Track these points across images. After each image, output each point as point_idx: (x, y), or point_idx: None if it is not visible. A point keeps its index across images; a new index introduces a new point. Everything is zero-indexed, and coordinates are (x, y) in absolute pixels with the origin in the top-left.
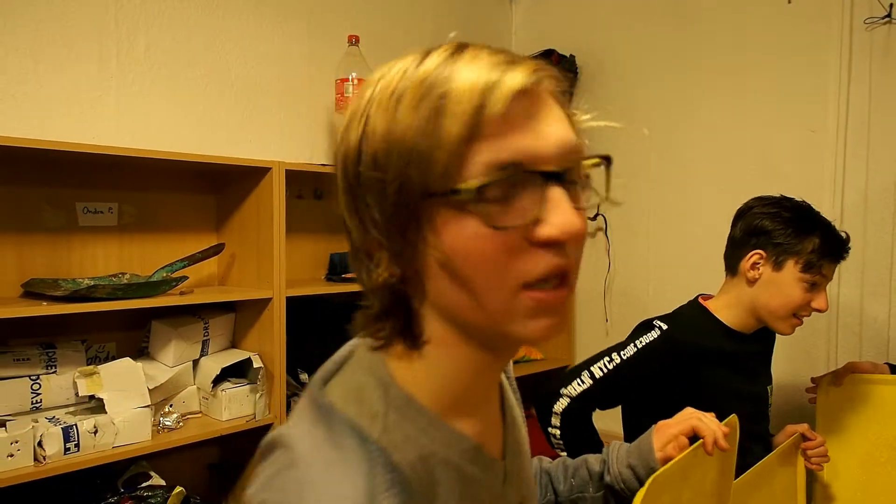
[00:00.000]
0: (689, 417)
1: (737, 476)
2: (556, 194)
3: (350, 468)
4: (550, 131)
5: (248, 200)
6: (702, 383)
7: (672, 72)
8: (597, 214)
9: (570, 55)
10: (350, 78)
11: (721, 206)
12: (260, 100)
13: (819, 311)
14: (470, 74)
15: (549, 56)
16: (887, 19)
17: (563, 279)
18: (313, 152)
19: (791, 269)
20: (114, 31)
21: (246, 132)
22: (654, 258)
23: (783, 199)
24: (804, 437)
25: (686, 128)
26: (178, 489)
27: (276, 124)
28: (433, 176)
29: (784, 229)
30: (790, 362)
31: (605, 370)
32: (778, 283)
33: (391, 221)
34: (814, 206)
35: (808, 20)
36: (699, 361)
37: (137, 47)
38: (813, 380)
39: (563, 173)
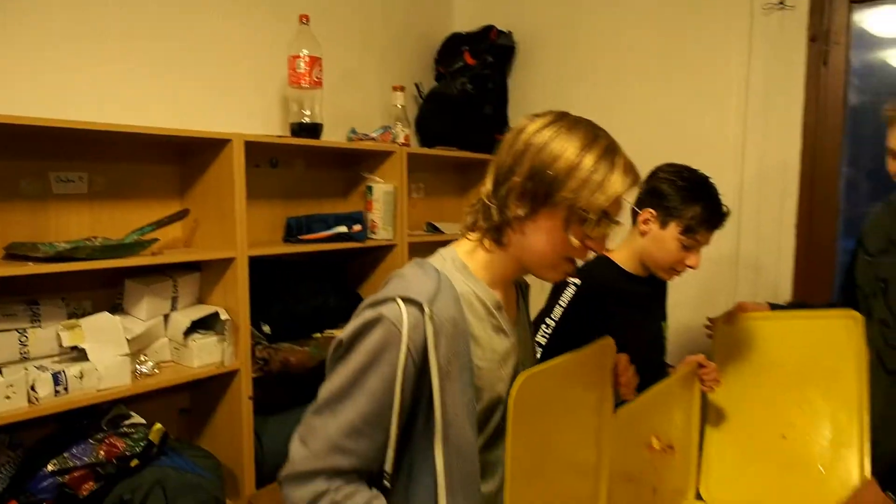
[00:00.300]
0: None
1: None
2: (599, 230)
3: (429, 279)
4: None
5: (210, 169)
6: (616, 321)
7: (602, 49)
8: None
9: (508, 31)
10: (301, 55)
11: (643, 173)
12: (219, 76)
13: (691, 268)
14: (619, 180)
15: (488, 32)
16: (781, 6)
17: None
18: (268, 124)
19: (673, 230)
20: (82, 8)
21: (206, 106)
22: None
23: (685, 169)
24: (700, 365)
25: (614, 103)
26: (158, 426)
27: (235, 99)
28: (589, 201)
29: (675, 195)
30: (698, 308)
31: (547, 336)
32: (661, 240)
33: (540, 200)
34: (721, 174)
35: (716, 4)
36: (610, 303)
37: (106, 25)
38: (709, 319)
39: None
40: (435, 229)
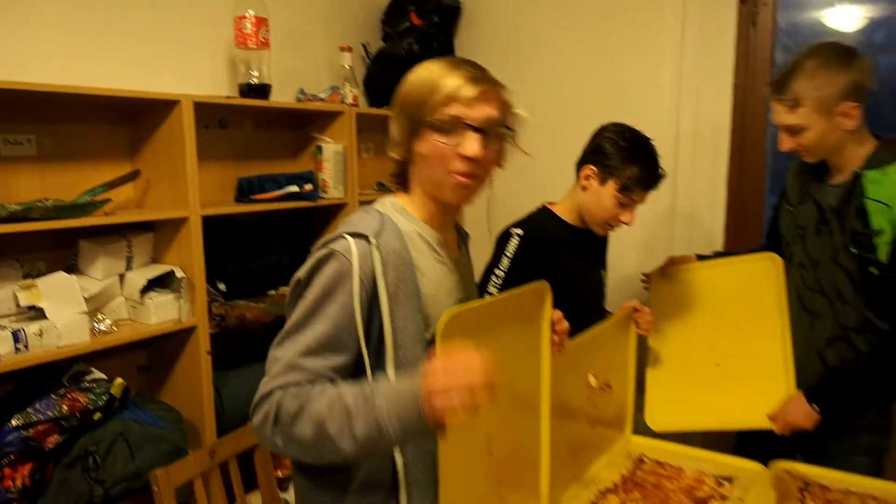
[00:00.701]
0: None
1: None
2: (472, 136)
3: (372, 218)
4: (484, 110)
5: (159, 130)
6: (559, 269)
7: (545, 11)
8: None
9: None
10: (247, 15)
11: (588, 133)
12: (166, 37)
13: (625, 224)
14: (458, 77)
15: None
16: None
17: (472, 176)
18: (216, 85)
19: (611, 187)
20: None
21: (154, 67)
22: (534, 175)
23: (628, 130)
24: (635, 309)
25: (557, 64)
26: (119, 380)
27: (182, 60)
28: (424, 114)
29: (615, 154)
30: (638, 260)
31: (498, 287)
32: (600, 196)
33: (405, 133)
34: (657, 131)
35: None
36: (553, 252)
37: None
38: (644, 275)
39: (482, 129)
40: (385, 188)
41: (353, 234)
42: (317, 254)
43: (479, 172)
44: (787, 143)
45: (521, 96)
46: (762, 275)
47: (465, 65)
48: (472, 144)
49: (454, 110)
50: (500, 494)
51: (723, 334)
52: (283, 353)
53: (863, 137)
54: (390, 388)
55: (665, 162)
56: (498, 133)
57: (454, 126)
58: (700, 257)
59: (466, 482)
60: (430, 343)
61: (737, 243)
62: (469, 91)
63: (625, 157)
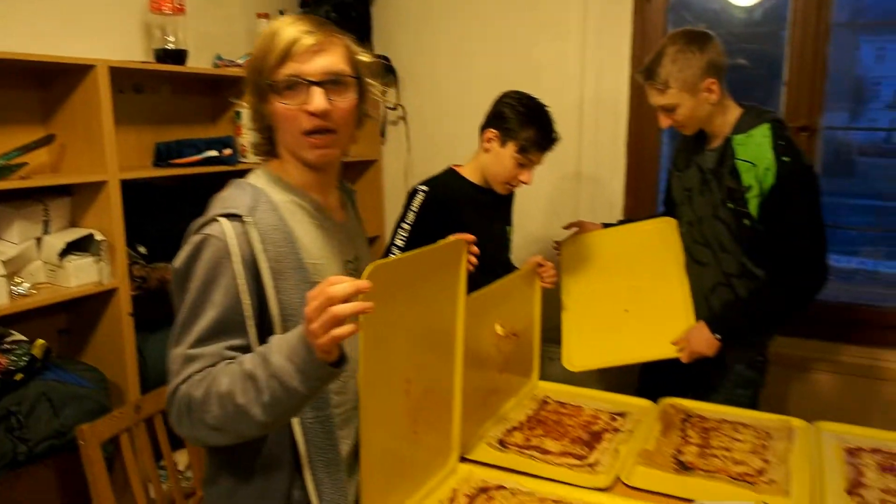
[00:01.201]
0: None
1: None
2: (315, 91)
3: (245, 194)
4: (320, 62)
5: (74, 95)
6: (462, 224)
7: None
8: (396, 105)
9: None
10: None
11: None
12: (79, 1)
13: (524, 183)
14: (290, 33)
15: None
16: None
17: (326, 132)
18: (130, 50)
19: (510, 149)
20: None
21: (68, 32)
22: (449, 140)
23: (526, 96)
24: (539, 264)
25: (471, 35)
26: (40, 341)
27: (96, 24)
28: (265, 77)
29: (514, 119)
30: (545, 219)
31: (404, 239)
32: (500, 157)
33: (256, 100)
34: (564, 97)
35: None
36: (456, 208)
37: None
38: (556, 242)
39: (323, 82)
40: None
41: (227, 216)
42: (192, 240)
43: (332, 127)
44: (664, 122)
45: (435, 66)
46: (660, 236)
47: (298, 21)
48: (315, 99)
49: (290, 69)
50: (415, 433)
51: (629, 286)
52: (177, 350)
53: (728, 107)
54: (280, 340)
55: (570, 127)
56: (344, 83)
57: (294, 84)
58: (605, 225)
59: (385, 420)
60: None
61: (636, 202)
62: (302, 46)
63: (522, 121)
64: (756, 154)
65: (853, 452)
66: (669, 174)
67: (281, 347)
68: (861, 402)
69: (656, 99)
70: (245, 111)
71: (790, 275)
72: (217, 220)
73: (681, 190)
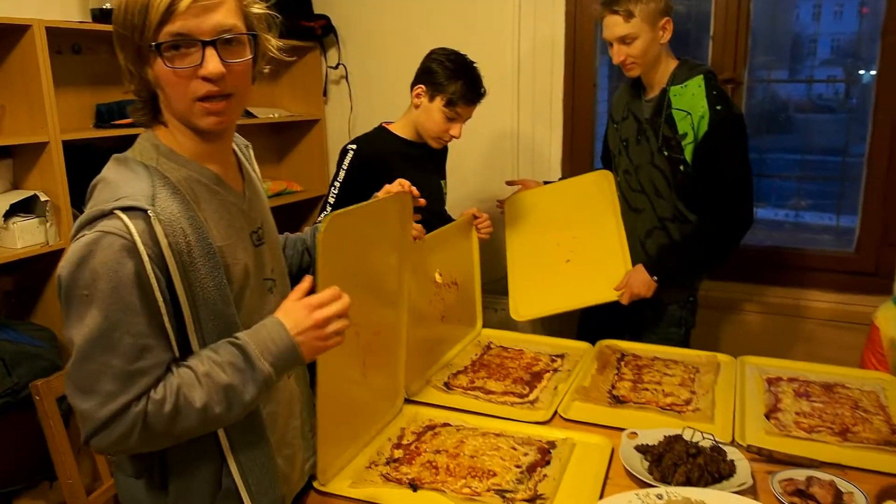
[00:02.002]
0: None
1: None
2: (209, 52)
3: (139, 178)
4: (211, 18)
5: (11, 56)
6: (392, 178)
7: None
8: (338, 64)
9: None
10: None
11: None
12: None
13: (455, 137)
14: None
15: None
16: None
17: (223, 97)
18: (65, 10)
19: (438, 103)
20: None
21: None
22: (391, 100)
23: (454, 52)
24: (475, 216)
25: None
26: None
27: None
28: (146, 37)
29: (441, 73)
30: (483, 175)
31: (336, 196)
32: (429, 112)
33: (133, 62)
34: (502, 52)
35: None
36: (386, 164)
37: None
38: (499, 201)
39: (216, 41)
40: (249, 114)
41: (127, 209)
42: (84, 238)
43: (229, 90)
44: (619, 55)
45: (376, 25)
46: (598, 188)
47: None
48: (210, 62)
49: (177, 27)
50: (365, 376)
51: (570, 237)
52: (104, 367)
53: (670, 56)
54: (262, 346)
55: (508, 84)
56: (240, 41)
57: (183, 45)
58: (546, 183)
59: (337, 362)
60: (237, 292)
61: (573, 157)
62: (187, 0)
63: (449, 74)
64: (691, 103)
65: (773, 382)
66: (607, 127)
67: (264, 353)
68: (784, 338)
69: (618, 28)
70: None
71: (718, 219)
72: (116, 216)
73: (617, 141)
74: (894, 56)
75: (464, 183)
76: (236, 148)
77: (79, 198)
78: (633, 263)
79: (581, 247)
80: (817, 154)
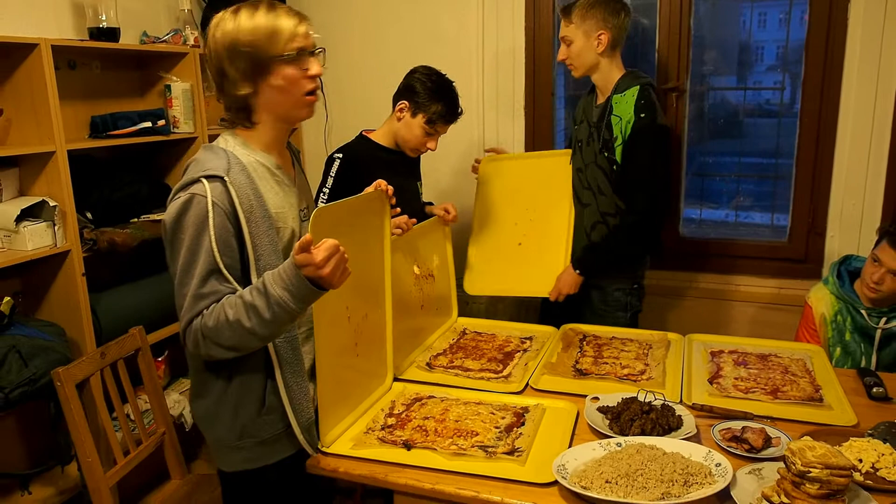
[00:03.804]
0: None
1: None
2: (314, 59)
3: (219, 158)
4: (311, 37)
5: (18, 72)
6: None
7: None
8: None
9: None
10: None
11: (405, 67)
12: None
13: (431, 150)
14: (289, 20)
15: None
16: None
17: (316, 91)
18: (63, 28)
19: (419, 120)
20: None
21: (1, 9)
22: (364, 107)
23: (435, 73)
24: (446, 211)
25: (383, 8)
26: (7, 298)
27: (29, 3)
28: (275, 51)
29: (424, 93)
30: (453, 182)
31: (325, 201)
32: (410, 126)
33: (249, 72)
34: (467, 61)
35: None
36: (369, 170)
37: None
38: (476, 160)
39: (314, 52)
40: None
41: (208, 177)
42: (180, 198)
43: (319, 87)
44: (561, 54)
45: (349, 37)
46: (555, 168)
47: (282, 7)
48: (316, 65)
49: (297, 43)
50: (357, 356)
51: (526, 218)
52: (186, 290)
53: (615, 69)
54: (274, 276)
55: (472, 87)
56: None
57: (301, 56)
58: None
59: (333, 339)
60: (284, 249)
61: None
62: (302, 27)
63: (431, 95)
64: (623, 110)
65: (716, 354)
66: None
67: (276, 281)
68: (728, 321)
69: (562, 30)
70: (176, 84)
71: (628, 213)
72: (200, 181)
73: (574, 141)
74: (816, 67)
75: (437, 184)
76: (290, 150)
77: (81, 203)
78: (578, 251)
79: (533, 233)
80: (765, 157)
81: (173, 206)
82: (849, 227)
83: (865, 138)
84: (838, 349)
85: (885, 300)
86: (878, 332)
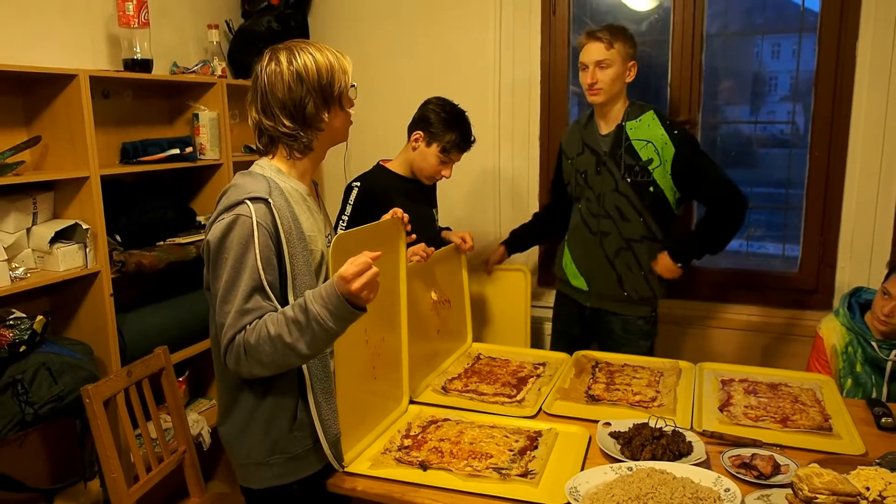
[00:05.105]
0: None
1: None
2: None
3: (258, 182)
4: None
5: (57, 100)
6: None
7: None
8: None
9: None
10: None
11: (423, 97)
12: (49, 13)
13: (446, 177)
14: (349, 63)
15: None
16: None
17: None
18: (97, 59)
19: (434, 149)
20: None
21: (40, 42)
22: (380, 136)
23: (448, 103)
24: (463, 240)
25: (401, 40)
26: (40, 317)
27: (67, 36)
28: (341, 87)
29: (438, 123)
30: (469, 207)
31: (345, 228)
32: (425, 155)
33: (319, 106)
34: (484, 90)
35: None
36: (387, 197)
37: None
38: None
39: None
40: (252, 150)
41: (252, 199)
42: (225, 219)
43: None
44: (591, 77)
45: (368, 69)
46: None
47: (337, 49)
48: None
49: (350, 79)
50: (375, 378)
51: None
52: (230, 307)
53: (625, 96)
54: (314, 294)
55: (489, 115)
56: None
57: (351, 91)
58: (509, 251)
59: (352, 360)
60: (315, 269)
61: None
62: (351, 71)
63: (445, 126)
64: (649, 134)
65: (726, 382)
66: (558, 163)
67: (316, 299)
68: (739, 350)
69: (597, 53)
70: (204, 113)
71: (726, 205)
72: (245, 203)
73: (573, 173)
74: (826, 100)
75: (452, 211)
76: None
77: (111, 226)
78: (602, 281)
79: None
80: (778, 187)
81: (218, 227)
82: (859, 259)
83: (875, 171)
84: (849, 380)
85: None
86: (889, 364)
